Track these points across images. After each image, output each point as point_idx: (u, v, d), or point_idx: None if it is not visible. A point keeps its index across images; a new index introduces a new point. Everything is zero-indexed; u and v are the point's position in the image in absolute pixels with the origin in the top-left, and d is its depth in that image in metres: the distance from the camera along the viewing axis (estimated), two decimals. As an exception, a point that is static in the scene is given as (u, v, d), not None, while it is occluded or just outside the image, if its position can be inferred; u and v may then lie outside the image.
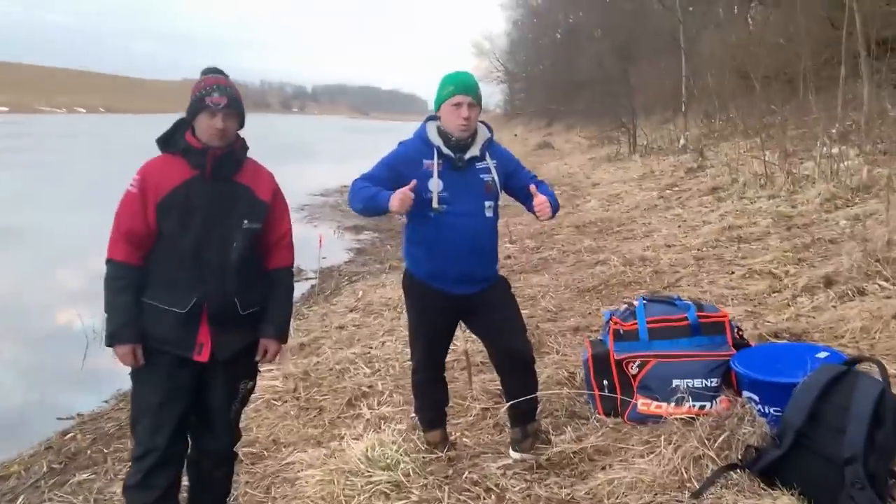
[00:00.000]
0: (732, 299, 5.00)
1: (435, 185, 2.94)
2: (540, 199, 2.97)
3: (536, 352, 4.60)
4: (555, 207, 3.02)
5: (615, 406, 3.38)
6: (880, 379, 2.42)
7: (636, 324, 3.40)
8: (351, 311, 6.57)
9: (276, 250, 2.61)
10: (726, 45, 16.94)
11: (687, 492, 2.61)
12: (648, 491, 2.64)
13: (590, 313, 5.35)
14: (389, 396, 4.25)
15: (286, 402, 4.44)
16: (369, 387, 4.44)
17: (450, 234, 2.96)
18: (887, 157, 7.85)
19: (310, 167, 23.80)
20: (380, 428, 3.54)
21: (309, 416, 4.20)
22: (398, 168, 2.99)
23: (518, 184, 3.12)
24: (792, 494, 2.45)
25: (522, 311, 5.63)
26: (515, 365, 3.13)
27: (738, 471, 2.64)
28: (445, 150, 2.98)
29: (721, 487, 2.58)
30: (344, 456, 3.11)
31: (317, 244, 7.93)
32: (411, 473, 3.08)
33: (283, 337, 2.63)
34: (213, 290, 2.42)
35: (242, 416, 2.84)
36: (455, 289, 3.05)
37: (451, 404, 3.88)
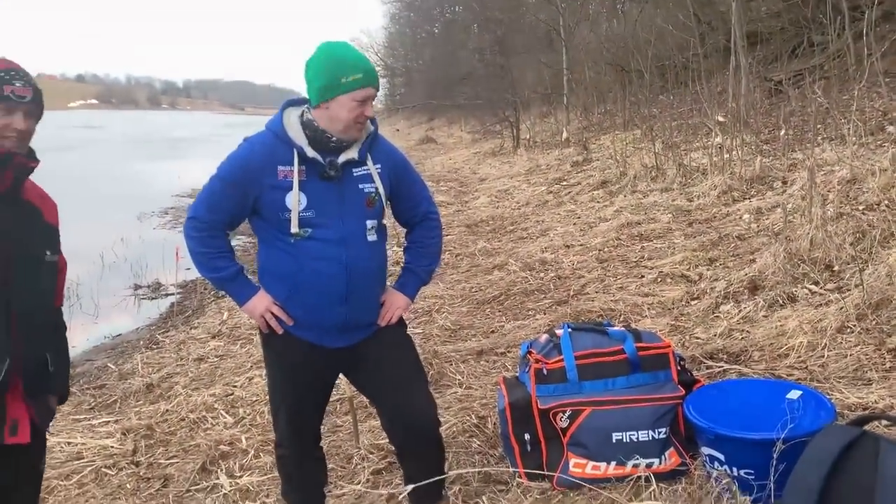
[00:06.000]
0: (649, 308, 4.46)
1: (295, 201, 2.11)
2: (387, 304, 2.34)
3: (436, 385, 3.89)
4: (431, 267, 2.48)
5: (541, 465, 2.69)
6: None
7: (562, 360, 2.72)
8: (213, 336, 5.62)
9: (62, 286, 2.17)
10: (600, 38, 16.95)
11: None
12: None
13: (493, 331, 4.67)
14: (255, 457, 3.41)
15: (122, 469, 3.52)
16: (230, 444, 3.58)
17: (318, 268, 2.15)
18: (772, 147, 7.76)
19: (175, 166, 22.08)
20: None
21: (150, 492, 3.29)
22: (242, 183, 2.15)
23: (403, 204, 2.40)
24: None
25: (416, 331, 4.97)
26: (414, 436, 2.35)
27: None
28: (311, 153, 2.14)
29: None
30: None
31: (175, 255, 6.95)
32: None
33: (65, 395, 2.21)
34: (26, 345, 1.91)
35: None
36: (329, 341, 2.24)
37: (332, 466, 3.13)
